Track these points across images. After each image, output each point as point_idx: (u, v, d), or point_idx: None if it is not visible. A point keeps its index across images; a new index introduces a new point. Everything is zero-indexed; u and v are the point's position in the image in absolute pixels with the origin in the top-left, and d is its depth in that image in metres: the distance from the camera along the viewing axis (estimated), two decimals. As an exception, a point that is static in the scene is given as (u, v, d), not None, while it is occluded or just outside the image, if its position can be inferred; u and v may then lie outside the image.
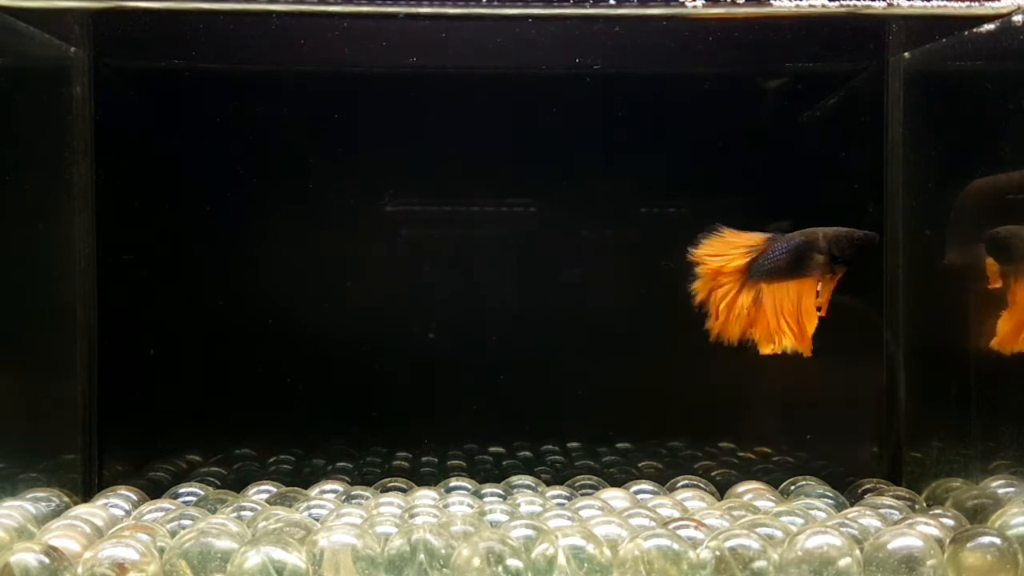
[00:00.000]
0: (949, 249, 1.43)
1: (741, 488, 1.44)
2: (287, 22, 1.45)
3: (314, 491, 1.44)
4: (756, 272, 1.33)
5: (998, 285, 1.30)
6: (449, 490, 1.45)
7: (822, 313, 1.31)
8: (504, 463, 1.58)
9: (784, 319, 1.31)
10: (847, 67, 1.55)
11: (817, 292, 1.31)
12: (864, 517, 1.26)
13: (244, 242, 1.55)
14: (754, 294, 1.33)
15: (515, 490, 1.45)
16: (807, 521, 1.26)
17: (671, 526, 1.20)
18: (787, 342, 1.32)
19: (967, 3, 1.29)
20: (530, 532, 1.16)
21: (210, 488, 1.45)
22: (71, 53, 1.48)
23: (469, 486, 1.46)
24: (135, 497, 1.41)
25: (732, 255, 1.34)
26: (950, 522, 1.27)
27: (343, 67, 1.52)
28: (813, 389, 1.53)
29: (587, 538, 1.14)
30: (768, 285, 1.33)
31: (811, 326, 1.31)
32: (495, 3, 1.33)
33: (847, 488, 1.46)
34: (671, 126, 1.55)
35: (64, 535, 1.21)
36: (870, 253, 1.33)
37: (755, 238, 1.35)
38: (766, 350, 1.33)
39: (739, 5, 1.30)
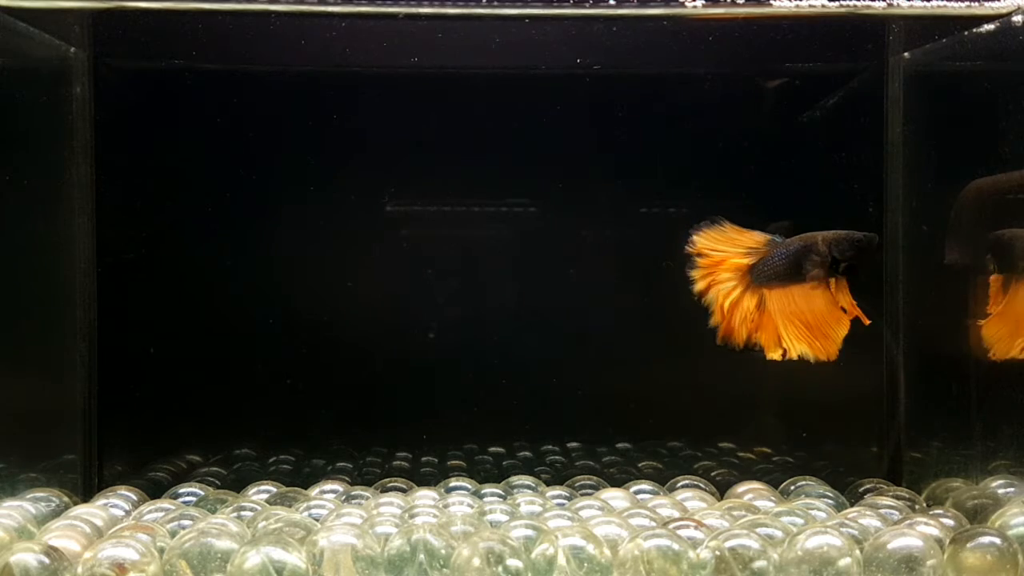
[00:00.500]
0: (949, 249, 1.43)
1: (741, 488, 1.44)
2: (287, 22, 1.45)
3: (314, 491, 1.43)
4: (758, 277, 1.33)
5: (994, 309, 1.30)
6: (449, 490, 1.45)
7: (865, 319, 1.31)
8: (504, 463, 1.58)
9: (796, 325, 1.31)
10: (847, 67, 1.55)
11: (844, 308, 1.30)
12: (864, 517, 1.26)
13: (244, 242, 1.55)
14: (757, 299, 1.33)
15: (515, 490, 1.45)
16: (807, 521, 1.26)
17: (671, 526, 1.20)
18: (803, 348, 1.31)
19: (967, 3, 1.29)
20: (530, 532, 1.16)
21: (210, 488, 1.45)
22: (71, 53, 1.48)
23: (469, 486, 1.46)
24: (135, 497, 1.41)
25: (732, 252, 1.34)
26: (950, 522, 1.26)
27: (343, 67, 1.51)
28: (813, 389, 1.52)
29: (587, 538, 1.14)
30: (770, 291, 1.32)
31: (840, 330, 1.30)
32: (495, 3, 1.33)
33: (847, 488, 1.46)
34: (669, 126, 1.55)
35: (64, 535, 1.20)
36: (871, 254, 1.33)
37: (756, 239, 1.34)
38: (774, 355, 1.32)
39: (739, 5, 1.30)
